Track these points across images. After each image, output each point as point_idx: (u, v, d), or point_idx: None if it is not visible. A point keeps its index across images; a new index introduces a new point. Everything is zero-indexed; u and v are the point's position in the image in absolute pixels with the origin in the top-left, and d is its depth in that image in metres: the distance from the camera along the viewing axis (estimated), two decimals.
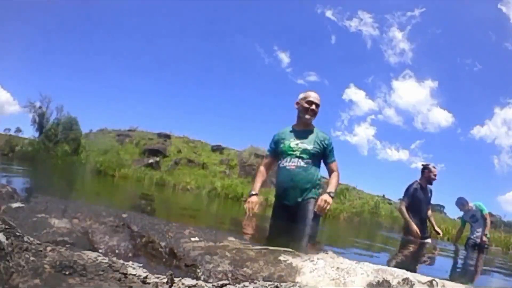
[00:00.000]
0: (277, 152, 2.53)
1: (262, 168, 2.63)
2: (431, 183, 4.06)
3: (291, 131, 2.51)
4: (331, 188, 2.36)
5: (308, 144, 2.40)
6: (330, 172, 2.49)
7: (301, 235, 2.19)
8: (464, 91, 37.59)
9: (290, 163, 2.39)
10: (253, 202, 2.41)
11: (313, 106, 2.45)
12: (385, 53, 34.73)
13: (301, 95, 2.50)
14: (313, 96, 2.47)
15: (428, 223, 4.26)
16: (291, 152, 2.41)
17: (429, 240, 4.11)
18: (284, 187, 2.42)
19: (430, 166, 4.03)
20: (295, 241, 1.92)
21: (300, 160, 2.37)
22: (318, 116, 2.49)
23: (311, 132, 2.47)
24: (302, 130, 2.48)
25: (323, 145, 2.43)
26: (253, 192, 2.48)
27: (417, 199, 3.96)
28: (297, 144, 2.41)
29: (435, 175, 4.01)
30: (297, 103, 2.51)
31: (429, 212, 4.21)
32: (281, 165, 2.46)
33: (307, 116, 2.45)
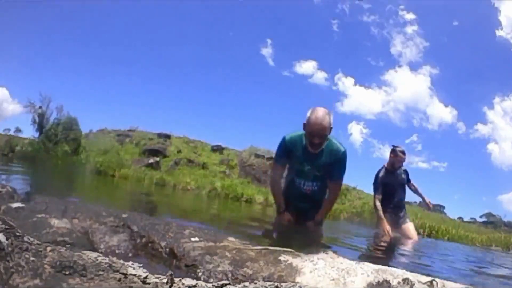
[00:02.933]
0: (287, 161, 2.43)
1: (277, 179, 2.52)
2: (396, 169, 3.79)
3: (303, 148, 2.28)
4: (319, 214, 2.45)
5: (319, 170, 2.34)
6: (329, 190, 2.47)
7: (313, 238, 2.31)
8: (465, 88, 37.29)
9: (305, 186, 2.41)
10: (287, 220, 2.47)
11: (316, 141, 2.19)
12: (383, 48, 34.47)
13: (306, 119, 2.21)
14: (316, 128, 2.15)
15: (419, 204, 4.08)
16: (304, 176, 2.38)
17: (408, 226, 3.89)
18: (296, 203, 2.49)
19: (397, 150, 3.76)
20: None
21: (314, 184, 2.40)
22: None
23: (323, 149, 2.29)
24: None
25: (331, 162, 2.30)
26: (282, 209, 2.50)
27: (386, 185, 3.77)
28: (309, 169, 2.35)
29: (399, 161, 3.76)
30: (304, 127, 2.24)
31: (414, 187, 4.03)
32: (295, 182, 2.42)
33: (312, 150, 2.25)
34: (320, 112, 2.16)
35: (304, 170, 2.36)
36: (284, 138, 2.36)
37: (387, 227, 3.67)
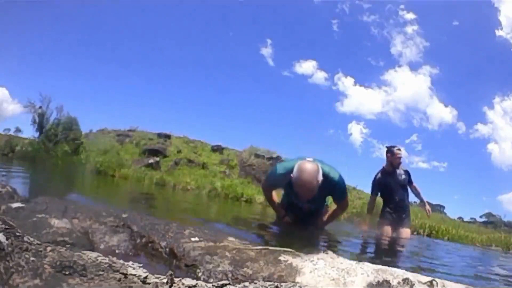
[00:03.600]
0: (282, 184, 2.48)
1: (270, 196, 2.58)
2: (395, 167, 3.78)
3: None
4: (321, 223, 2.53)
5: (315, 200, 2.31)
6: (336, 206, 2.52)
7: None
8: (465, 88, 37.20)
9: (303, 205, 2.44)
10: (288, 224, 2.54)
11: (304, 200, 2.18)
12: (383, 48, 34.38)
13: (293, 177, 2.08)
14: (302, 192, 2.09)
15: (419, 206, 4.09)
16: (302, 200, 2.36)
17: (406, 231, 3.79)
18: (296, 214, 2.54)
19: (394, 149, 3.77)
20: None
21: (312, 204, 2.43)
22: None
23: None
24: None
25: (327, 192, 2.33)
26: (282, 215, 2.56)
27: (385, 185, 3.78)
28: (304, 204, 2.39)
29: (398, 158, 3.74)
30: (291, 180, 2.15)
31: (415, 189, 3.95)
32: (293, 201, 2.45)
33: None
34: (307, 174, 2.03)
35: (300, 201, 2.35)
36: (276, 170, 2.33)
37: (364, 228, 3.80)
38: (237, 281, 0.90)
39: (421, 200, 4.12)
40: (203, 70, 40.26)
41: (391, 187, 3.80)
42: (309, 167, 2.06)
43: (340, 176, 2.25)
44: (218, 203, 7.36)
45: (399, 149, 3.79)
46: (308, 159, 2.16)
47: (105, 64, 37.05)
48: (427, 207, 4.09)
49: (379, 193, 3.90)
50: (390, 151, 3.81)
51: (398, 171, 3.84)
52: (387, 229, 3.71)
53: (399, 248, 3.10)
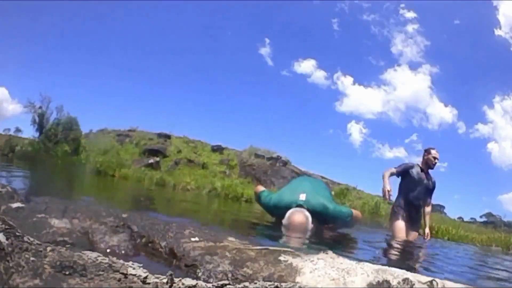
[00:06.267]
0: None
1: None
2: (430, 167, 3.77)
3: None
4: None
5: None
6: None
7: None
8: (465, 87, 37.10)
9: None
10: None
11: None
12: (384, 47, 34.30)
13: (284, 221, 2.26)
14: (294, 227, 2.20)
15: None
16: None
17: (413, 233, 3.74)
18: None
19: (431, 150, 3.77)
20: None
21: None
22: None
23: None
24: None
25: (326, 223, 2.45)
26: None
27: (411, 178, 3.68)
28: None
29: (434, 158, 3.72)
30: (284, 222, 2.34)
31: (428, 209, 3.86)
32: None
33: None
34: (295, 230, 2.15)
35: None
36: (268, 203, 2.50)
37: (387, 187, 3.50)
38: (237, 281, 0.90)
39: (424, 220, 3.93)
40: (201, 70, 40.00)
41: (415, 183, 3.71)
42: (298, 221, 2.18)
43: (335, 208, 2.37)
44: (218, 203, 7.36)
45: (437, 151, 3.78)
46: (301, 197, 2.19)
47: (105, 64, 36.96)
48: (427, 230, 3.92)
49: (400, 185, 3.78)
50: (427, 150, 3.80)
51: (430, 176, 3.79)
52: (401, 229, 3.60)
53: (400, 248, 3.10)
